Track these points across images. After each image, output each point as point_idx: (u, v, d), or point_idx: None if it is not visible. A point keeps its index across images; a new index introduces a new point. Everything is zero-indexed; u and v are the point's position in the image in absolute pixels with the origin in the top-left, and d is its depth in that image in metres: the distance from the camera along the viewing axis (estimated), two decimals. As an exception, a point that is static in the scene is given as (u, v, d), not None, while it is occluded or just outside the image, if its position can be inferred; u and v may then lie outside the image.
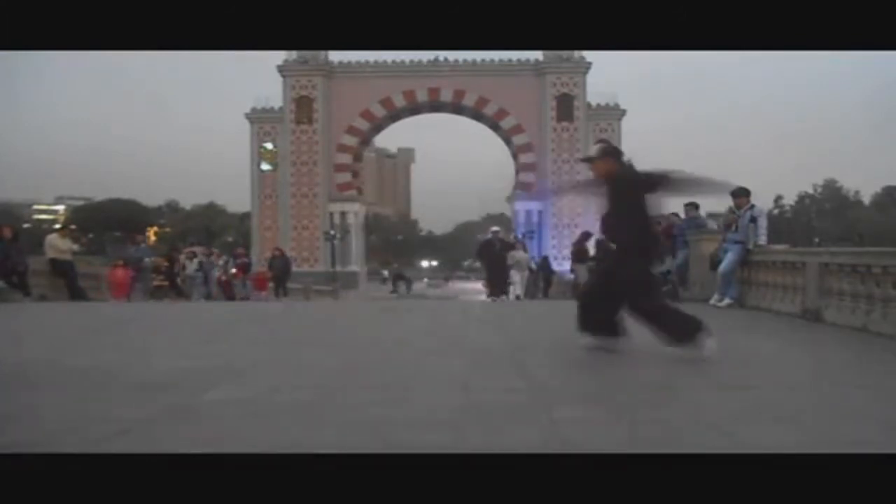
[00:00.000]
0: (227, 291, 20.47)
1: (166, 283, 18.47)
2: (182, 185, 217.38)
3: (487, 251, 17.74)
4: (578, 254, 18.17)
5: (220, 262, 21.80)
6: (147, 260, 18.89)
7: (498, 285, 17.19)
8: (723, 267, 10.62)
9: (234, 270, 21.09)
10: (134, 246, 20.10)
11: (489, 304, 14.35)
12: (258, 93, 62.72)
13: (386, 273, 67.61)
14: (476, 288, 48.86)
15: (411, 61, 59.85)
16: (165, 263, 18.72)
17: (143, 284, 18.11)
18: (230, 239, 62.56)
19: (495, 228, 19.36)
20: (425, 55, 59.36)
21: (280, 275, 22.75)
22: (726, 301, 10.51)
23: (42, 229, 60.71)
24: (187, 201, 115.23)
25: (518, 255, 18.69)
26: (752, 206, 10.69)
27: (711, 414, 3.83)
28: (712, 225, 13.09)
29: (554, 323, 8.62)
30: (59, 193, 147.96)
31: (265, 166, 61.12)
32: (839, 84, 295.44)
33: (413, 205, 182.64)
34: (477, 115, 61.27)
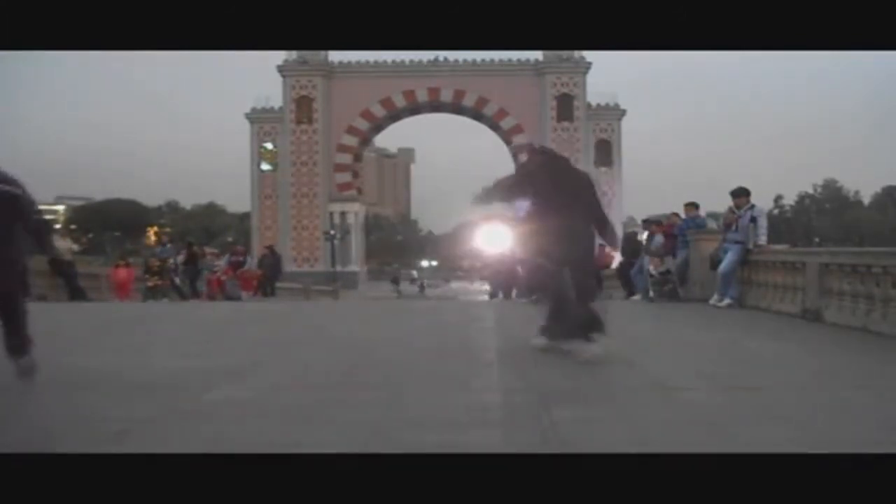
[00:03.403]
0: (223, 291, 20.41)
1: (162, 283, 18.43)
2: (182, 185, 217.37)
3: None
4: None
5: (220, 263, 21.70)
6: (172, 260, 18.89)
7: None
8: (723, 267, 10.62)
9: (224, 268, 20.94)
10: (160, 246, 20.18)
11: (490, 304, 14.05)
12: (258, 93, 62.85)
13: (414, 273, 67.69)
14: (476, 288, 48.74)
15: (411, 61, 59.83)
16: (158, 263, 18.66)
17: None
18: (230, 239, 62.56)
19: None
20: (425, 55, 59.38)
21: (270, 273, 22.65)
22: (726, 301, 10.50)
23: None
24: (187, 201, 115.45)
25: None
26: (752, 206, 10.69)
27: (711, 414, 3.83)
28: (712, 225, 13.09)
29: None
30: (59, 193, 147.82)
31: (265, 166, 61.12)
32: (839, 84, 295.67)
33: (413, 205, 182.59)
34: (477, 115, 61.25)
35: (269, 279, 22.57)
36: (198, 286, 19.31)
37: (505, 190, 6.20)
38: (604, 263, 17.92)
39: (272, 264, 23.30)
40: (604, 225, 6.12)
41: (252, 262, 23.08)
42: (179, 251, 20.35)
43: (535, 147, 6.54)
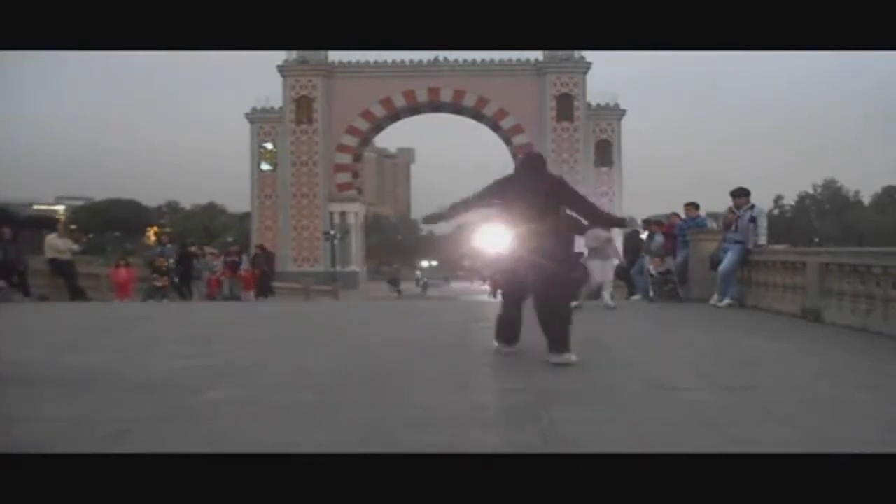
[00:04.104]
0: (222, 291, 20.40)
1: (167, 283, 18.44)
2: (182, 185, 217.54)
3: None
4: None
5: (218, 263, 21.65)
6: (171, 261, 18.89)
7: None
8: (723, 267, 10.62)
9: (221, 268, 20.88)
10: (160, 246, 20.17)
11: (492, 305, 13.95)
12: (258, 93, 62.86)
13: (418, 273, 67.19)
14: (477, 288, 48.69)
15: (411, 61, 59.82)
16: (166, 264, 18.69)
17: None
18: (230, 239, 62.54)
19: None
20: (425, 55, 59.39)
21: (263, 273, 22.59)
22: (726, 301, 10.50)
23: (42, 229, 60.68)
24: (187, 201, 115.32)
25: (603, 234, 10.67)
26: (752, 206, 10.69)
27: (712, 414, 3.83)
28: (712, 225, 13.09)
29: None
30: (59, 193, 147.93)
31: (265, 166, 61.09)
32: (839, 84, 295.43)
33: (413, 205, 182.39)
34: (477, 115, 61.25)
35: (265, 277, 22.48)
36: (193, 286, 19.29)
37: (474, 201, 6.08)
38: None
39: (263, 263, 23.19)
40: (594, 215, 6.19)
41: (246, 261, 23.00)
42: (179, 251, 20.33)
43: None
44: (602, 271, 10.90)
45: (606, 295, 10.92)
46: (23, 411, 3.98)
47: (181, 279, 18.95)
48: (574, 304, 10.03)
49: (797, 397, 4.31)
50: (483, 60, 59.63)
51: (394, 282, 53.27)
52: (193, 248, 20.90)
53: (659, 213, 15.14)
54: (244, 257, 22.88)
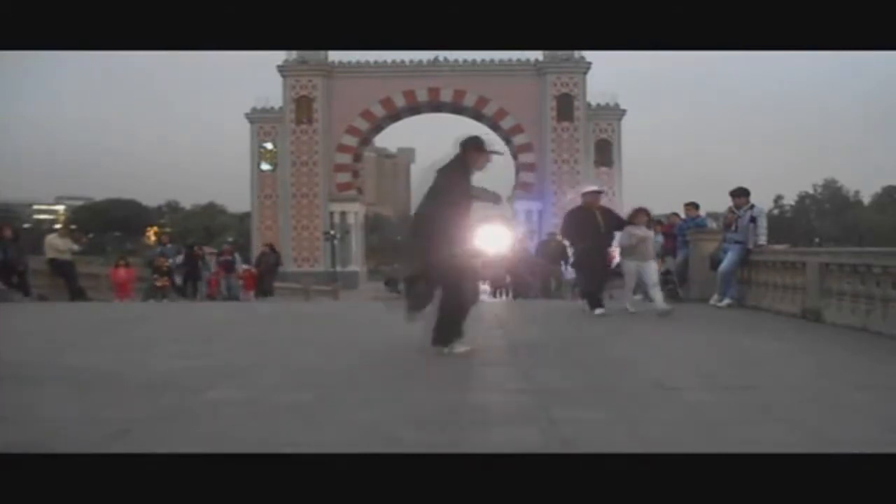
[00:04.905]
0: (220, 291, 20.41)
1: (168, 283, 18.45)
2: (182, 185, 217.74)
3: (586, 225, 9.80)
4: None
5: (213, 262, 21.64)
6: (172, 260, 18.91)
7: (598, 283, 10.08)
8: (723, 267, 10.62)
9: (216, 268, 20.88)
10: (161, 246, 20.20)
11: (492, 305, 13.85)
12: (258, 93, 62.85)
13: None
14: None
15: (411, 61, 59.83)
16: (166, 264, 18.71)
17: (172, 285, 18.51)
18: (230, 239, 62.67)
19: (592, 188, 10.56)
20: (425, 55, 59.40)
21: (265, 271, 22.56)
22: (726, 301, 10.50)
23: (42, 229, 60.68)
24: (187, 201, 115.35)
25: (639, 232, 9.96)
26: (752, 206, 10.69)
27: (712, 414, 3.83)
28: (712, 225, 13.09)
29: (556, 323, 8.57)
30: (59, 193, 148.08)
31: (265, 166, 61.10)
32: (839, 84, 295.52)
33: (413, 205, 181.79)
34: (477, 115, 61.24)
35: (266, 276, 22.46)
36: (199, 286, 19.32)
37: None
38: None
39: (270, 263, 23.15)
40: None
41: (240, 260, 22.96)
42: (179, 251, 20.34)
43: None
44: (642, 273, 9.87)
45: (658, 299, 9.74)
46: (22, 411, 3.98)
47: (186, 279, 18.98)
48: (598, 311, 9.54)
49: (797, 397, 4.31)
50: (483, 60, 59.63)
51: (391, 282, 52.70)
52: (195, 248, 20.94)
53: (659, 213, 15.14)
54: (237, 255, 22.90)
